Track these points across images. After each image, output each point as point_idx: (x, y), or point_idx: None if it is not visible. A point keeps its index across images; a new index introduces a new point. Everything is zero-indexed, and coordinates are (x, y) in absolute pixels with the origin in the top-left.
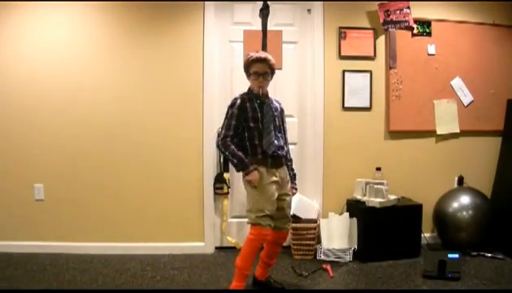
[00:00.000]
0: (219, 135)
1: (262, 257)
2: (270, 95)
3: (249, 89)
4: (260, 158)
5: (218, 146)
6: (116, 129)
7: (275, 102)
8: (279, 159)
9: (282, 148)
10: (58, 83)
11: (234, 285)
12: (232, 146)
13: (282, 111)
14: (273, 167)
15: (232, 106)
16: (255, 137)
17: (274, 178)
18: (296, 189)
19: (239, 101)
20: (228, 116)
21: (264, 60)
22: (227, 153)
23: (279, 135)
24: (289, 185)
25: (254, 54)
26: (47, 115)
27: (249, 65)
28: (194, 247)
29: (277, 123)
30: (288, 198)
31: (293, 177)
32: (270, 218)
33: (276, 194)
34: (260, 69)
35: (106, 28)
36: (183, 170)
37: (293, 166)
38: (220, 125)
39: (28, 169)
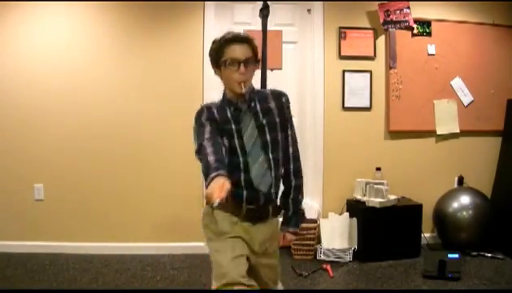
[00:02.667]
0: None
1: None
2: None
3: (223, 94)
4: (233, 203)
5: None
6: (116, 128)
7: (262, 102)
8: (264, 210)
9: (270, 187)
10: (57, 83)
11: None
12: (208, 150)
13: (280, 107)
14: (249, 220)
15: (195, 122)
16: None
17: (240, 233)
18: (294, 233)
19: (204, 108)
20: (196, 132)
21: (245, 40)
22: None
23: (270, 157)
24: (279, 236)
25: (230, 34)
26: (47, 115)
27: (222, 49)
28: (194, 247)
29: (267, 137)
30: (265, 261)
31: (293, 217)
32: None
33: (245, 252)
34: (240, 54)
35: (106, 28)
36: (183, 170)
37: (299, 197)
38: None
39: (28, 169)
